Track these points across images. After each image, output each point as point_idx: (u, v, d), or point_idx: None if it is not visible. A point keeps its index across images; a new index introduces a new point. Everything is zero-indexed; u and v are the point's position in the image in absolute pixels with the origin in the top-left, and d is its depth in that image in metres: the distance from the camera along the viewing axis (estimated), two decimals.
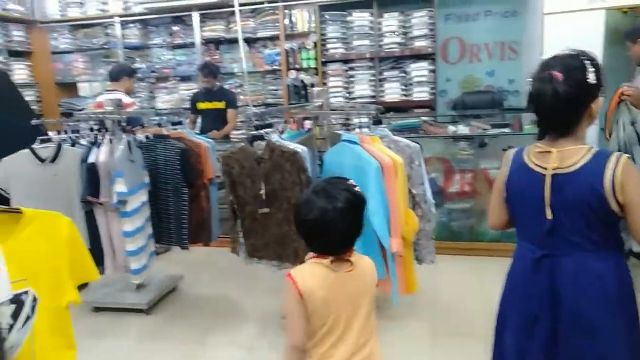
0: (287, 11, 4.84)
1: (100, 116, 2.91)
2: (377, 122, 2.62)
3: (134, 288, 3.09)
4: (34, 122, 2.89)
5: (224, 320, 2.86)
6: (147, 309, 2.96)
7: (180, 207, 2.93)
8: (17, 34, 5.29)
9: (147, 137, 2.98)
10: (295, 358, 1.22)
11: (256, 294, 3.12)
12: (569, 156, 1.28)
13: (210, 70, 4.45)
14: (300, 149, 2.44)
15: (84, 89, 5.83)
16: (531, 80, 1.32)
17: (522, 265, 1.40)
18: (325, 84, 4.78)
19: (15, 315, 1.01)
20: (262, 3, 4.84)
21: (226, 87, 4.91)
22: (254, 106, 4.92)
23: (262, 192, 2.41)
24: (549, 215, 1.30)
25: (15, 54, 5.29)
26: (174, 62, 5.30)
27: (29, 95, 5.14)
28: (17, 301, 1.03)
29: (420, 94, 4.67)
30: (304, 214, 1.21)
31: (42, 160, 2.68)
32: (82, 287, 1.32)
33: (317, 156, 2.78)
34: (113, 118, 2.83)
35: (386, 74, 4.74)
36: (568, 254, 1.30)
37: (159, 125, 3.09)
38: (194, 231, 3.00)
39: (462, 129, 3.72)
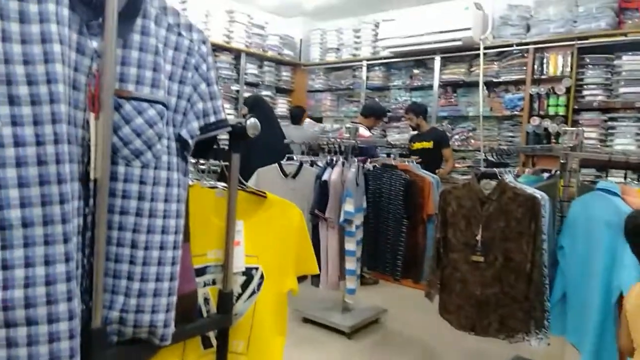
0: (538, 54, 4.49)
1: (339, 141, 3.15)
2: None
3: (340, 309, 3.17)
4: (286, 141, 3.32)
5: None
6: (348, 332, 2.99)
7: (398, 238, 2.92)
8: (285, 74, 6.32)
9: (375, 167, 3.10)
10: None
11: (461, 340, 2.82)
12: None
13: (411, 108, 4.58)
14: (539, 194, 2.13)
15: (327, 122, 6.53)
16: None
17: None
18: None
19: (244, 287, 1.09)
20: (510, 46, 4.61)
21: (441, 129, 4.83)
22: (485, 152, 4.65)
23: (478, 237, 2.16)
24: None
25: (281, 91, 6.31)
26: (408, 103, 5.47)
27: (284, 125, 6.01)
28: (248, 274, 1.11)
29: None
30: None
31: (285, 175, 3.04)
32: (300, 279, 1.35)
33: (557, 207, 2.39)
34: (349, 143, 3.03)
35: None
36: None
37: (388, 155, 3.17)
38: (406, 265, 2.93)
39: None
